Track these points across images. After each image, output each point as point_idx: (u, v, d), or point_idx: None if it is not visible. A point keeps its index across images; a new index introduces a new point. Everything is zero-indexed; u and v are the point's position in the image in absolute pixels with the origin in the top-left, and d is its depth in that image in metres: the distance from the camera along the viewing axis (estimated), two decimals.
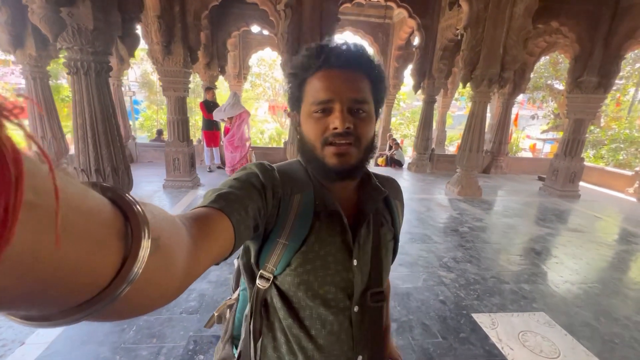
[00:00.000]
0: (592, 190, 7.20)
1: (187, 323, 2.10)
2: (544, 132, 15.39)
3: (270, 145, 12.93)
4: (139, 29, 3.74)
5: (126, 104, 14.49)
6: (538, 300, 2.57)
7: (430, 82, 6.96)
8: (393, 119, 16.23)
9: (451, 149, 14.01)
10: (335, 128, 0.57)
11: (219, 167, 6.72)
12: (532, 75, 8.98)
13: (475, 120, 5.29)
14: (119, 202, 0.25)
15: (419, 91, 7.35)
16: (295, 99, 0.64)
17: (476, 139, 5.31)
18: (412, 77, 7.21)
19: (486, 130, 8.44)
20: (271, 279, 0.61)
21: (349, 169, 0.60)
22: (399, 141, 9.03)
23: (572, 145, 5.84)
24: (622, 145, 10.41)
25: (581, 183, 6.38)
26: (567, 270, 3.13)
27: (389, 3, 6.33)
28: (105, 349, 1.86)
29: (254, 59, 13.31)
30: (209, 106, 6.16)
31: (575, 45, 5.35)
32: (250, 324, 0.64)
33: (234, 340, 0.75)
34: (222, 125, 6.27)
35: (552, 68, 12.01)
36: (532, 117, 14.36)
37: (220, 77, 8.55)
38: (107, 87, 2.90)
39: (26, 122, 4.90)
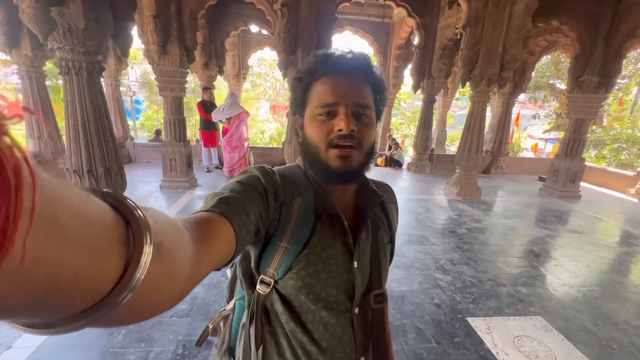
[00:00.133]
0: (593, 190, 7.13)
1: (177, 327, 2.07)
2: (546, 131, 15.30)
3: (270, 145, 12.91)
4: (134, 29, 3.72)
5: (127, 104, 14.58)
6: (535, 304, 2.52)
7: (430, 82, 6.91)
8: (394, 119, 16.19)
9: (452, 148, 13.95)
10: (340, 130, 0.59)
11: (217, 168, 6.70)
12: (533, 74, 8.91)
13: (474, 120, 5.24)
14: (120, 208, 0.25)
15: (419, 91, 7.30)
16: (300, 102, 0.65)
17: (475, 139, 5.26)
18: (411, 77, 7.16)
19: (487, 130, 8.41)
20: (272, 284, 0.61)
21: (351, 172, 0.62)
22: (399, 141, 8.99)
23: (572, 145, 5.78)
24: (624, 145, 10.33)
25: (582, 183, 6.33)
26: (566, 273, 3.08)
27: (387, 2, 6.29)
28: (93, 353, 1.83)
29: (253, 59, 13.31)
30: (206, 106, 6.14)
31: (576, 45, 5.29)
32: (249, 330, 0.64)
33: (231, 351, 0.75)
34: (221, 126, 6.25)
35: (553, 67, 11.92)
36: (534, 117, 14.26)
37: (221, 78, 8.54)
38: (99, 87, 2.87)
39: (23, 123, 4.89)
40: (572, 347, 2.06)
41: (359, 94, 0.61)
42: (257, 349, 0.63)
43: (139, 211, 0.25)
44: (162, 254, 0.26)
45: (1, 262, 0.14)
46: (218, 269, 0.44)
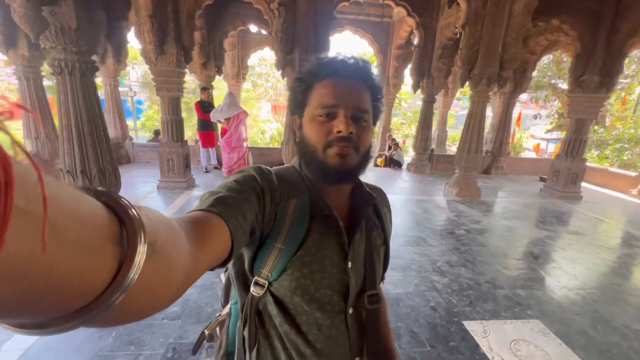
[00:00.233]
0: (594, 191, 7.06)
1: (167, 329, 2.05)
2: (548, 131, 15.21)
3: (271, 146, 12.89)
4: (130, 28, 3.70)
5: (128, 104, 14.61)
6: (533, 307, 2.48)
7: (430, 82, 6.86)
8: (395, 119, 16.14)
9: (453, 149, 13.87)
10: (340, 131, 0.60)
11: (215, 168, 6.68)
12: (534, 74, 8.85)
13: (474, 120, 5.19)
14: (114, 206, 0.24)
15: (419, 90, 7.25)
16: (299, 103, 0.66)
17: (475, 139, 5.22)
18: (411, 77, 7.11)
19: (487, 130, 8.35)
20: (266, 286, 0.61)
21: (348, 171, 0.63)
22: (400, 141, 8.94)
23: (573, 146, 5.72)
24: (626, 145, 10.24)
25: (583, 184, 6.26)
26: (565, 276, 3.04)
27: (387, 2, 6.26)
28: (83, 356, 1.81)
29: (254, 59, 13.28)
30: (204, 106, 6.11)
31: (577, 44, 5.23)
32: (243, 333, 0.64)
33: (229, 356, 0.74)
34: (219, 126, 6.22)
35: (555, 67, 11.83)
36: (535, 117, 14.17)
37: (220, 78, 8.52)
38: (93, 87, 2.85)
39: (19, 123, 4.89)
40: (570, 352, 2.02)
41: (359, 98, 0.62)
42: (250, 351, 0.64)
43: (133, 210, 0.24)
44: (156, 253, 0.26)
45: None
46: (212, 269, 0.44)
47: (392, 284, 2.67)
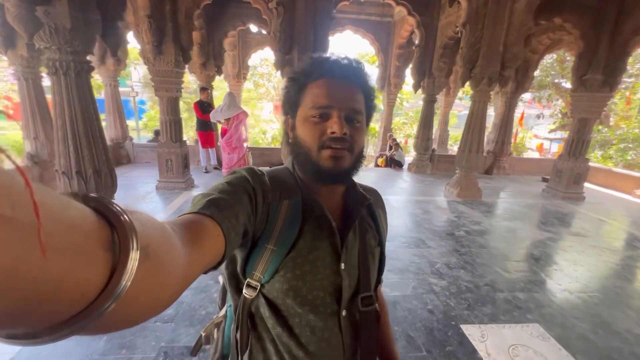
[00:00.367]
0: (597, 192, 6.97)
1: (160, 333, 2.02)
2: (551, 131, 15.08)
3: (272, 146, 12.88)
4: (129, 28, 3.68)
5: (131, 104, 14.66)
6: (533, 311, 2.44)
7: (431, 81, 6.81)
8: (396, 119, 16.07)
9: (455, 148, 13.79)
10: (333, 132, 0.59)
11: (215, 168, 6.67)
12: (537, 73, 8.75)
13: (475, 120, 5.14)
14: (105, 212, 0.24)
15: (420, 90, 7.20)
16: (293, 103, 0.65)
17: (476, 139, 5.16)
18: (412, 76, 7.06)
19: (490, 130, 8.28)
20: (258, 288, 0.61)
21: (342, 172, 0.62)
22: (402, 141, 8.88)
23: (576, 146, 5.64)
24: (631, 145, 10.12)
25: (586, 184, 6.19)
26: (566, 278, 2.99)
27: (387, 1, 6.21)
28: None
29: (255, 59, 13.28)
30: (203, 107, 6.10)
31: (580, 42, 5.16)
32: (236, 335, 0.64)
33: (224, 359, 0.74)
34: (219, 127, 6.21)
35: (558, 66, 11.73)
36: (538, 117, 14.05)
37: (221, 78, 8.50)
38: (89, 88, 2.83)
39: (19, 124, 4.89)
40: (570, 357, 1.98)
41: (353, 99, 0.62)
42: (242, 354, 0.64)
43: (124, 215, 0.24)
44: (149, 258, 0.26)
45: None
46: (206, 272, 0.44)
47: (389, 287, 2.63)
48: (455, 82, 9.07)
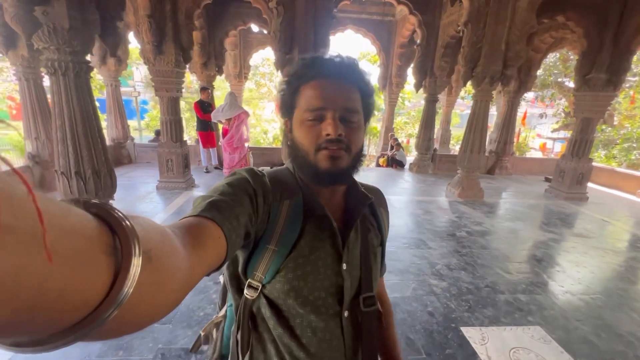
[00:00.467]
0: (601, 192, 6.91)
1: (157, 334, 2.01)
2: (554, 130, 14.98)
3: (274, 146, 12.87)
4: (129, 28, 3.67)
5: (133, 104, 14.69)
6: (534, 313, 2.41)
7: (432, 81, 6.77)
8: (398, 118, 16.02)
9: (458, 148, 13.72)
10: (328, 134, 0.59)
11: (216, 168, 6.66)
12: (540, 72, 8.68)
13: (476, 120, 5.10)
14: (106, 217, 0.24)
15: (421, 89, 7.17)
16: (288, 106, 0.65)
17: (478, 139, 5.12)
18: (413, 76, 7.03)
19: (492, 129, 8.22)
20: (260, 288, 0.61)
21: (340, 172, 0.62)
22: (404, 141, 8.85)
23: (579, 145, 5.59)
24: (635, 145, 10.04)
25: (589, 184, 6.12)
26: (568, 280, 2.95)
27: (388, 0, 6.18)
28: None
29: (256, 59, 13.28)
30: (204, 106, 6.10)
31: (583, 41, 5.11)
32: (237, 336, 0.64)
33: (222, 359, 0.74)
34: (220, 127, 6.20)
35: (562, 65, 11.63)
36: (541, 116, 13.96)
37: (222, 77, 8.49)
38: (88, 88, 2.82)
39: (20, 124, 4.90)
40: None
41: (347, 99, 0.61)
42: (243, 355, 0.63)
43: (126, 221, 0.24)
44: (152, 262, 0.26)
45: None
46: (208, 274, 0.44)
47: (389, 288, 2.61)
48: (457, 81, 9.03)
